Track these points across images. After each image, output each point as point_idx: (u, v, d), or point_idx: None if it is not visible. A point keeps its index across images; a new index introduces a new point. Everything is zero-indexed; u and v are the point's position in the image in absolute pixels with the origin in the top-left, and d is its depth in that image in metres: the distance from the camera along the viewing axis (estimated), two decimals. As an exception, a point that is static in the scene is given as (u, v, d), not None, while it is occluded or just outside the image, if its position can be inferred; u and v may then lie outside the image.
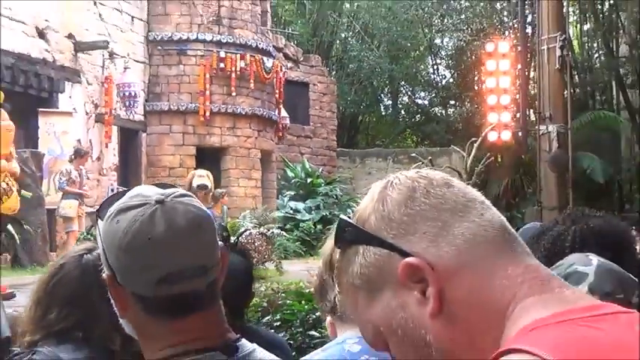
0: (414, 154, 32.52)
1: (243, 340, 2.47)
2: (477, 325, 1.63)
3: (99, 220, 2.41)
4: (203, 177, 20.16)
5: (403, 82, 44.73)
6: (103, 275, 2.42)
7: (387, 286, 1.70)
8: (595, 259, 3.03)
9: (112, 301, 2.44)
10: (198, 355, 2.32)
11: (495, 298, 1.62)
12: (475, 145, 27.39)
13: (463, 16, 43.02)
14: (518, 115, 28.30)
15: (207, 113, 28.18)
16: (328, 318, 3.85)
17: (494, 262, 1.64)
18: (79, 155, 20.93)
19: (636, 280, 3.07)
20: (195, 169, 26.59)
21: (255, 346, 2.49)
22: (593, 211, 4.54)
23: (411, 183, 1.74)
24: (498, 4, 42.13)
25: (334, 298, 3.30)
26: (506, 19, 40.89)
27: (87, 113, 25.46)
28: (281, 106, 31.25)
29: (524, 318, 1.57)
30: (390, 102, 45.89)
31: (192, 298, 2.33)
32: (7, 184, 13.68)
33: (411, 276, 1.65)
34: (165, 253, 2.27)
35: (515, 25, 33.81)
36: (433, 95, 46.02)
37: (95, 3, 25.82)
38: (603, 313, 1.55)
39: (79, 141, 24.15)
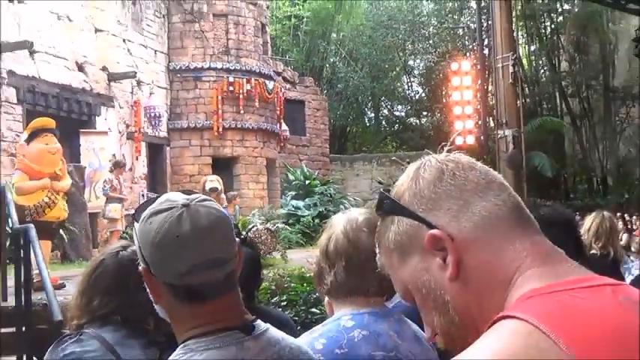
0: (394, 158, 32.58)
1: (259, 321, 2.49)
2: (486, 290, 1.66)
3: (135, 222, 2.45)
4: (213, 181, 20.35)
5: (383, 98, 44.81)
6: (140, 268, 2.47)
7: (415, 251, 1.75)
8: None
9: (148, 289, 2.49)
10: (220, 334, 2.34)
11: (503, 269, 1.64)
12: (445, 148, 26.99)
13: (431, 41, 43.16)
14: (479, 122, 28.38)
15: (220, 129, 28.23)
16: (326, 298, 3.80)
17: (504, 237, 1.66)
18: (118, 166, 21.02)
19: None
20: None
21: (268, 325, 2.52)
22: (543, 201, 4.62)
23: (440, 166, 1.76)
24: (460, 30, 42.31)
25: (330, 282, 3.27)
26: (467, 42, 41.12)
27: (120, 132, 25.48)
28: (282, 120, 31.21)
29: (523, 287, 1.59)
30: (372, 114, 45.96)
31: (214, 285, 2.36)
32: (50, 198, 13.66)
33: (435, 245, 1.69)
34: (190, 248, 2.30)
35: (475, 48, 34.07)
36: (408, 108, 46.12)
37: (124, 40, 25.89)
38: (591, 285, 1.57)
39: (114, 155, 24.13)
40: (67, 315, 4.23)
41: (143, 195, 25.48)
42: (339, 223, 3.36)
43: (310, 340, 3.01)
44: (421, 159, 1.84)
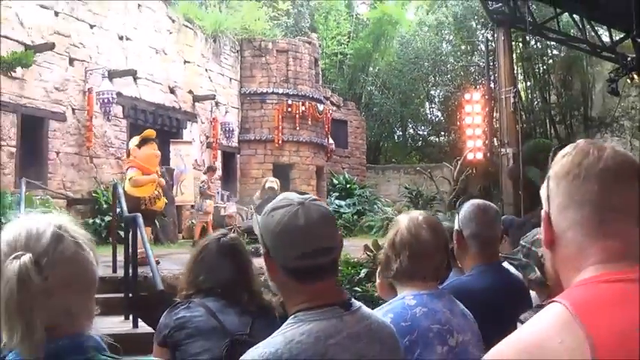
0: (418, 168, 32.45)
1: (353, 300, 2.54)
2: (563, 270, 1.77)
3: (257, 215, 2.53)
4: (272, 182, 20.37)
5: (409, 120, 44.38)
6: (261, 251, 2.53)
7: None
8: None
9: (265, 269, 2.53)
10: (324, 309, 2.41)
11: (574, 262, 1.72)
12: (459, 162, 27.44)
13: (449, 76, 42.87)
14: (486, 141, 28.30)
15: (280, 141, 28.37)
16: (377, 280, 3.99)
17: (580, 241, 1.71)
18: (211, 170, 21.43)
19: None
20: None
21: (361, 304, 2.57)
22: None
23: (572, 168, 1.78)
24: (472, 67, 42.11)
25: (396, 268, 3.42)
26: (477, 78, 40.75)
27: (201, 142, 25.71)
28: (329, 136, 31.21)
29: (578, 278, 1.68)
30: (400, 133, 45.45)
31: (320, 269, 2.43)
32: (158, 192, 14.16)
33: (545, 219, 1.80)
34: (303, 238, 2.39)
35: (484, 82, 33.83)
36: (430, 128, 45.75)
37: (206, 70, 26.11)
38: (625, 279, 1.61)
39: (196, 161, 24.50)
40: (177, 287, 4.43)
41: (218, 192, 25.73)
42: (403, 221, 3.51)
43: (380, 314, 2.99)
44: (575, 144, 1.87)
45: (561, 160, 1.83)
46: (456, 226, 4.31)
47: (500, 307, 3.74)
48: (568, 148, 1.85)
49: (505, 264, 4.48)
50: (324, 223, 2.46)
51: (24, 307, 1.91)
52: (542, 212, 1.84)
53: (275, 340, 2.35)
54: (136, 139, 14.68)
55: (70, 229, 2.11)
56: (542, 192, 1.87)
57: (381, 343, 2.51)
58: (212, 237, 4.41)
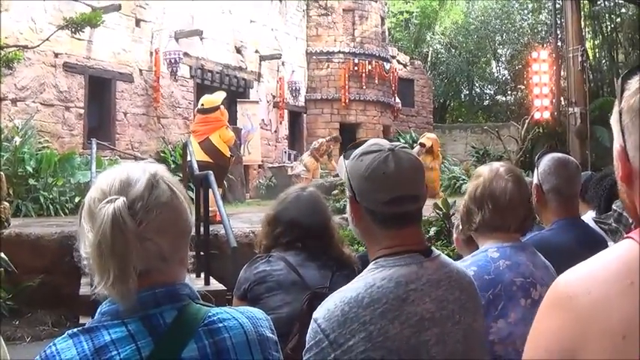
0: (485, 127, 32.23)
1: (433, 248, 2.53)
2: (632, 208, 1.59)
3: (344, 160, 2.51)
4: (430, 139, 19.32)
5: (476, 78, 44.11)
6: (347, 194, 2.54)
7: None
8: None
9: (350, 213, 2.54)
10: (405, 255, 2.41)
11: None
12: (526, 121, 26.95)
13: (516, 34, 42.38)
14: (554, 100, 27.87)
15: (347, 100, 28.18)
16: (454, 235, 4.17)
17: None
18: (334, 140, 21.32)
19: None
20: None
21: (439, 252, 2.55)
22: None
23: None
24: (539, 26, 41.56)
25: (478, 221, 3.33)
26: (544, 36, 40.22)
27: (268, 102, 25.68)
28: (395, 95, 31.02)
29: None
30: (467, 92, 45.15)
31: (406, 216, 2.43)
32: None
33: (619, 154, 1.59)
34: (392, 183, 2.38)
35: (551, 41, 33.32)
36: (496, 87, 45.33)
37: (272, 29, 26.07)
38: None
39: (263, 120, 24.51)
40: (255, 241, 4.44)
41: (285, 152, 25.70)
42: (485, 173, 3.39)
43: (463, 267, 2.95)
44: None
45: (638, 94, 1.57)
46: (535, 180, 4.14)
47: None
48: None
49: (584, 218, 4.36)
50: (413, 171, 2.46)
51: (117, 251, 1.89)
52: (617, 145, 1.61)
53: (356, 285, 2.38)
54: (219, 99, 14.41)
55: (165, 176, 2.09)
56: (614, 124, 1.63)
57: (460, 289, 2.51)
58: (292, 190, 4.36)
